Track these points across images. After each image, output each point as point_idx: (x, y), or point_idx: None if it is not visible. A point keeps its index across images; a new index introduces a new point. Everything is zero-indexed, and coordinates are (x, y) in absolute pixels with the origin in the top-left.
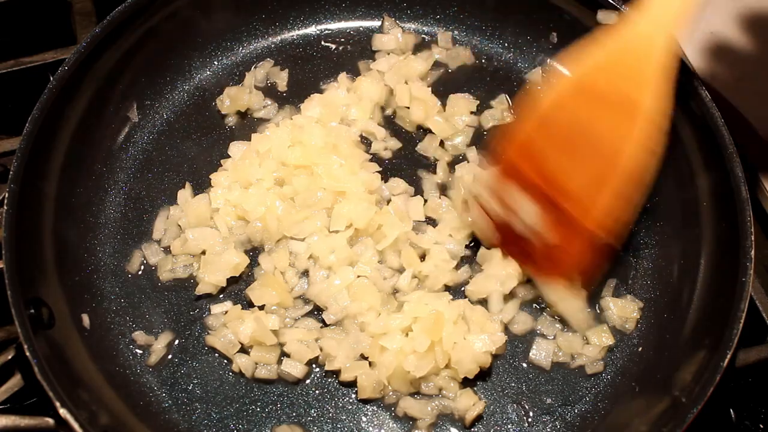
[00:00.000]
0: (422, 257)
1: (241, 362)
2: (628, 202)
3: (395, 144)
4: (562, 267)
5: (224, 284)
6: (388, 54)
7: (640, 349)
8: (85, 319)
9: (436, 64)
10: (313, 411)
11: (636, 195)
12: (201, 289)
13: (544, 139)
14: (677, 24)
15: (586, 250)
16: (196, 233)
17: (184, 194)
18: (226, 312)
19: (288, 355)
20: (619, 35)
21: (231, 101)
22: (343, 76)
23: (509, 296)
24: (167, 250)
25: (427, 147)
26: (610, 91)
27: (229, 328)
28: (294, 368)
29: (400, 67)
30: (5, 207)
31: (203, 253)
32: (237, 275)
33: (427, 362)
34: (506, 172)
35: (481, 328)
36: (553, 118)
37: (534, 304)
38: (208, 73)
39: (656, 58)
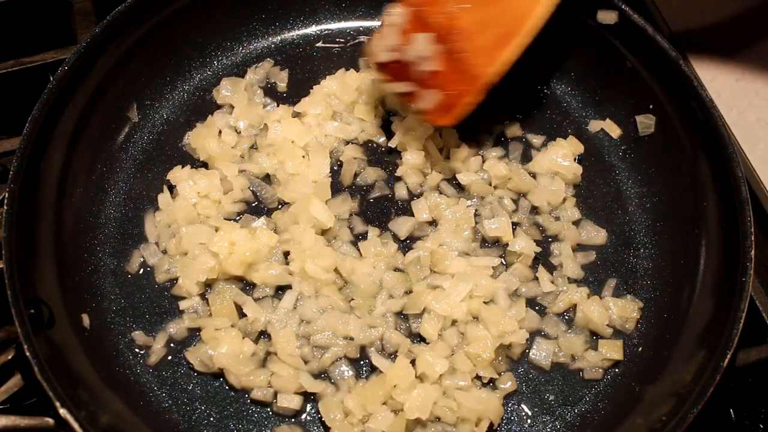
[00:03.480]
0: None
1: (232, 379)
2: (521, 49)
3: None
4: (448, 100)
5: (199, 290)
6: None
7: (640, 349)
8: (85, 319)
9: None
10: (313, 411)
11: (527, 42)
12: (176, 291)
13: None
14: None
15: (470, 84)
16: (190, 230)
17: (165, 198)
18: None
19: None
20: None
21: (230, 92)
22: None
23: (514, 294)
24: (166, 250)
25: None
26: None
27: (207, 345)
28: (290, 401)
29: None
30: (5, 207)
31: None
32: (214, 278)
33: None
34: (411, 6)
35: (497, 325)
36: None
37: (537, 305)
38: (208, 73)
39: None
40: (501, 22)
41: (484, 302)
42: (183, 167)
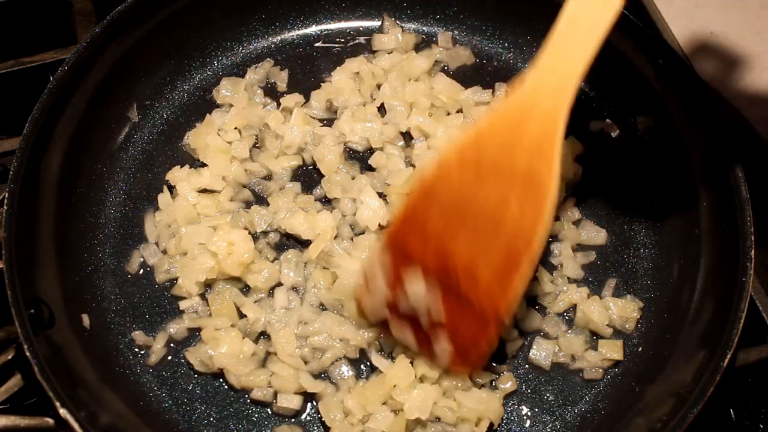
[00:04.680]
0: None
1: (232, 379)
2: (527, 279)
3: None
4: (463, 348)
5: (199, 290)
6: (389, 54)
7: (640, 349)
8: (85, 319)
9: (437, 64)
10: (313, 411)
11: (528, 269)
12: (175, 291)
13: (432, 217)
14: (565, 90)
15: (483, 330)
16: (189, 230)
17: (164, 198)
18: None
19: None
20: (506, 102)
21: (230, 92)
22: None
23: None
24: (166, 251)
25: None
26: (500, 165)
27: (207, 345)
28: (290, 401)
29: (402, 66)
30: (5, 207)
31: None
32: (214, 277)
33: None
34: (394, 250)
35: None
36: (439, 195)
37: (537, 304)
38: (208, 73)
39: (549, 127)
40: (503, 251)
41: None
42: (182, 167)
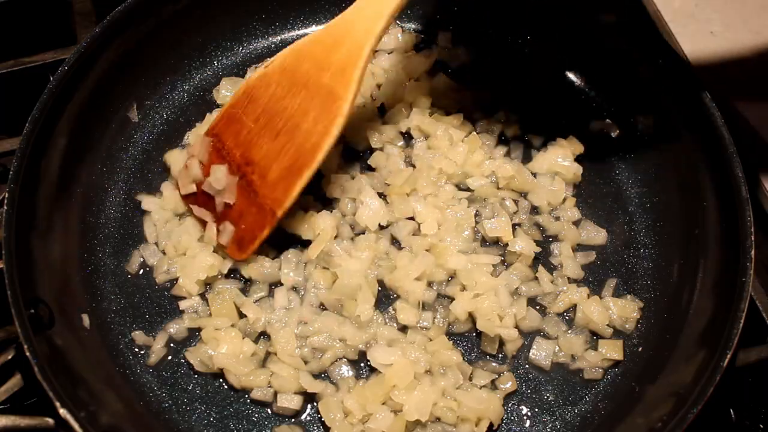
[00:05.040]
0: None
1: (232, 379)
2: (304, 181)
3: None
4: (243, 234)
5: (199, 290)
6: (389, 54)
7: (640, 349)
8: (85, 319)
9: (437, 64)
10: (313, 411)
11: (310, 175)
12: (175, 291)
13: (248, 112)
14: (375, 25)
15: (261, 221)
16: (180, 229)
17: (151, 200)
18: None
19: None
20: (327, 26)
21: (230, 92)
22: None
23: (515, 293)
24: (165, 251)
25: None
26: (310, 78)
27: (207, 345)
28: (290, 401)
29: (402, 66)
30: (5, 207)
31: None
32: (214, 275)
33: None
34: (213, 136)
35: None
36: (258, 94)
37: (537, 304)
38: (208, 73)
39: (355, 54)
40: (293, 155)
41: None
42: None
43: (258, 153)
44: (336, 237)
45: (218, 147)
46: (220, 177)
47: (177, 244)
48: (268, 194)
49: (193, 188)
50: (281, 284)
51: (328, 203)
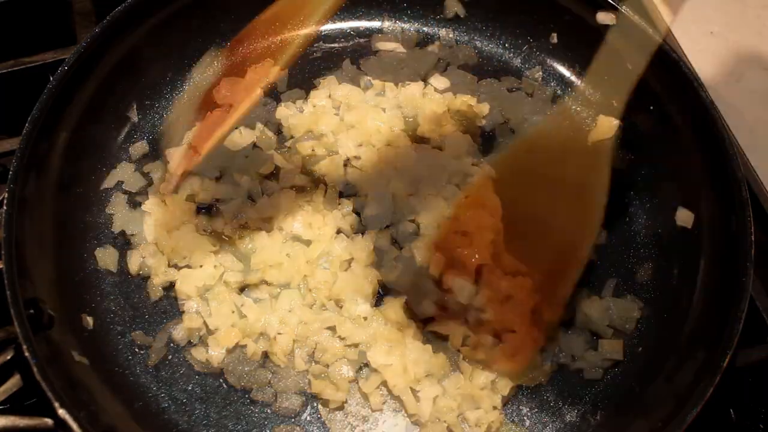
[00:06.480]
0: None
1: (232, 379)
2: (574, 283)
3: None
4: (508, 347)
5: (198, 292)
6: (389, 54)
7: (640, 349)
8: (86, 319)
9: (437, 63)
10: (312, 411)
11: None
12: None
13: (484, 219)
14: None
15: (533, 330)
16: (181, 232)
17: (151, 202)
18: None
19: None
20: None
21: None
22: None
23: None
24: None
25: None
26: (551, 172)
27: (207, 345)
28: (290, 401)
29: (402, 66)
30: (5, 207)
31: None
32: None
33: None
34: (444, 251)
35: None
36: (491, 197)
37: None
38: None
39: (605, 144)
40: (551, 256)
41: None
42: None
43: (507, 261)
44: (336, 237)
45: (450, 264)
46: (469, 294)
47: (176, 247)
48: (531, 299)
49: (433, 310)
50: (281, 284)
51: (329, 203)
